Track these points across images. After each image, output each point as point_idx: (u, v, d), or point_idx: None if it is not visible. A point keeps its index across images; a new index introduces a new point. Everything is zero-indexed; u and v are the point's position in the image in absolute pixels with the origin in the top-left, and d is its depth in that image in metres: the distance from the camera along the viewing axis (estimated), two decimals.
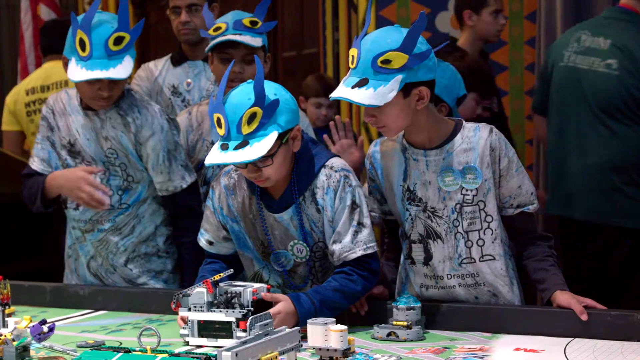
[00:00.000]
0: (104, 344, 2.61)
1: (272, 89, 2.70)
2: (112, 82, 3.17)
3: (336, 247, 2.76)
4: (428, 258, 2.82)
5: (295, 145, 2.76)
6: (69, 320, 3.02)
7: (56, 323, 2.65)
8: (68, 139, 3.30)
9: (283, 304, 2.63)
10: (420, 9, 6.20)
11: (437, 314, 2.76)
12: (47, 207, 3.37)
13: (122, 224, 3.31)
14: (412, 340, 2.62)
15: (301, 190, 2.80)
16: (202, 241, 2.96)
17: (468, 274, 2.80)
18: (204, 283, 2.60)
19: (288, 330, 2.27)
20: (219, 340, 2.54)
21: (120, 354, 2.26)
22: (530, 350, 2.50)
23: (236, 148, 2.64)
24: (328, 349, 2.34)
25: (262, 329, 2.24)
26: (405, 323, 2.64)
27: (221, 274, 2.63)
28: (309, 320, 2.39)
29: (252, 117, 2.64)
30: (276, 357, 2.19)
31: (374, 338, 2.66)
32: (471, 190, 2.77)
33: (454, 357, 2.44)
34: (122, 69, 3.12)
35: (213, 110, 2.69)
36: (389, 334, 2.64)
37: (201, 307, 2.59)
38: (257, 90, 2.64)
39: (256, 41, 3.38)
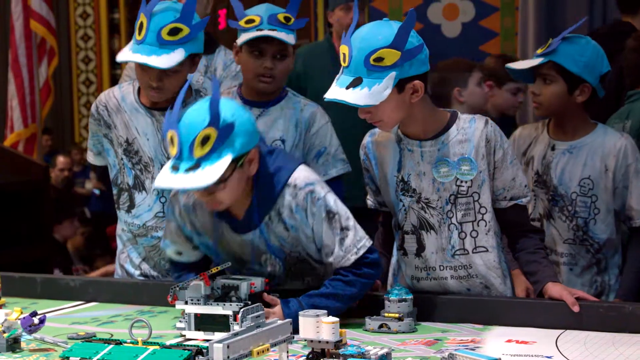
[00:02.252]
0: (95, 336, 2.61)
1: (230, 110, 2.56)
2: (162, 73, 3.03)
3: (330, 260, 2.71)
4: (420, 249, 2.82)
5: (252, 169, 2.64)
6: (59, 312, 3.01)
7: (47, 315, 2.64)
8: (125, 137, 3.19)
9: (277, 308, 2.63)
10: (412, 0, 6.20)
11: (429, 306, 2.76)
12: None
13: None
14: (403, 332, 2.62)
15: (265, 211, 2.71)
16: (169, 252, 2.88)
17: (461, 266, 2.80)
18: (200, 276, 2.58)
19: (280, 322, 2.27)
20: (215, 333, 2.52)
21: (111, 346, 2.25)
22: (522, 342, 2.50)
23: (187, 170, 2.50)
24: (320, 341, 2.33)
25: (253, 321, 2.23)
26: (397, 315, 2.64)
27: (218, 267, 2.61)
28: (300, 313, 2.38)
29: (206, 139, 2.50)
30: (268, 349, 2.18)
31: (366, 330, 2.66)
32: (466, 182, 2.77)
33: (445, 349, 2.43)
34: (165, 60, 2.98)
35: (168, 127, 2.56)
36: (380, 326, 2.64)
37: (198, 300, 2.57)
38: (213, 111, 2.51)
39: (290, 38, 3.31)
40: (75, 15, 10.25)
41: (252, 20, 3.30)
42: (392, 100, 2.66)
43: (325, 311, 2.37)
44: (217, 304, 2.55)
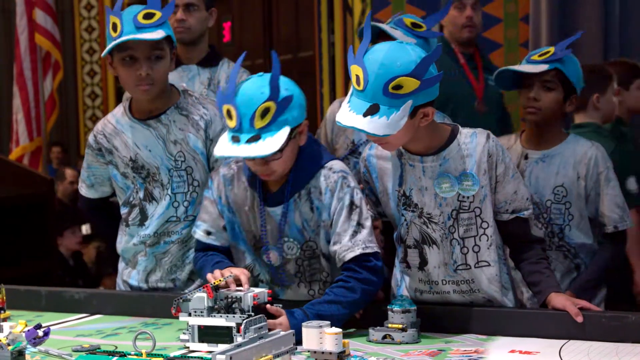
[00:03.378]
0: (99, 348, 2.61)
1: (286, 84, 2.72)
2: (149, 60, 3.06)
3: (336, 248, 2.77)
4: (423, 263, 2.82)
5: (302, 140, 2.79)
6: (64, 324, 3.02)
7: (51, 327, 2.64)
8: (129, 156, 3.19)
9: (282, 318, 2.63)
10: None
11: (432, 317, 2.75)
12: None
13: (188, 236, 3.18)
14: (407, 343, 2.62)
15: (297, 188, 2.81)
16: (199, 233, 2.94)
17: (463, 280, 2.80)
18: (204, 288, 2.59)
19: (283, 333, 2.27)
20: (219, 345, 2.52)
21: (115, 358, 2.26)
22: (526, 353, 2.50)
23: (248, 141, 2.66)
24: (323, 352, 2.34)
25: (256, 332, 2.24)
26: (400, 326, 2.64)
27: (221, 279, 2.62)
28: (304, 324, 2.39)
29: (266, 111, 2.67)
30: None
31: (369, 341, 2.66)
32: (468, 197, 2.77)
33: None
34: (151, 34, 3.01)
35: (223, 101, 2.71)
36: (384, 337, 2.64)
37: (201, 312, 2.58)
38: (273, 85, 2.67)
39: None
40: (81, 29, 10.28)
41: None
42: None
43: (329, 322, 2.38)
44: (221, 316, 2.55)
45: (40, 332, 2.49)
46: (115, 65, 3.12)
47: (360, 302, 2.74)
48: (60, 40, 7.53)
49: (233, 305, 2.56)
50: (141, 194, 3.20)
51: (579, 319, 2.61)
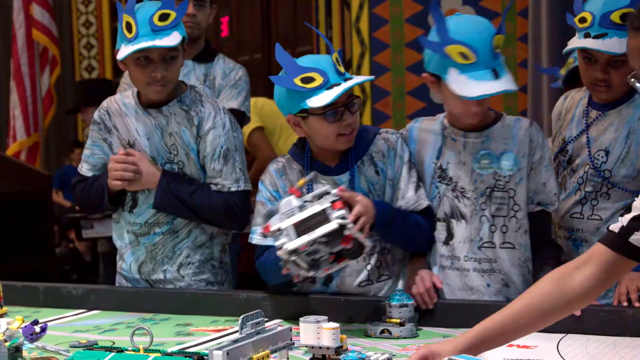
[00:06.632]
0: (96, 344, 2.61)
1: None
2: (164, 62, 3.07)
3: (401, 203, 2.85)
4: (449, 237, 2.87)
5: None
6: (61, 320, 3.02)
7: (49, 323, 2.65)
8: (127, 140, 3.20)
9: (364, 203, 2.65)
10: (413, 7, 6.20)
11: (430, 311, 2.75)
12: (114, 205, 3.26)
13: (179, 226, 3.19)
14: (405, 338, 2.62)
15: (359, 155, 2.86)
16: (256, 238, 2.89)
17: (485, 259, 2.83)
18: (289, 191, 2.63)
19: (280, 329, 2.27)
20: (317, 230, 2.52)
21: (112, 354, 2.26)
22: (524, 346, 2.50)
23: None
24: (320, 347, 2.34)
25: (253, 327, 2.23)
26: (398, 320, 2.64)
27: (305, 179, 2.72)
28: (301, 319, 2.38)
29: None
30: (268, 356, 2.18)
31: (367, 335, 2.65)
32: (504, 177, 2.82)
33: None
34: (169, 39, 3.03)
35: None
36: (382, 332, 2.64)
37: (292, 212, 2.58)
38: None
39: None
40: (78, 24, 10.27)
41: (584, 19, 2.90)
42: None
43: (326, 317, 2.37)
44: (312, 204, 2.58)
45: (37, 328, 2.48)
46: (127, 63, 3.13)
47: (426, 234, 2.87)
48: (57, 36, 7.53)
49: (322, 197, 2.59)
50: None
51: (577, 313, 2.61)
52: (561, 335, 2.58)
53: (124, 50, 3.06)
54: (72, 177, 3.53)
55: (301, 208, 2.58)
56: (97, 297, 3.18)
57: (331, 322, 2.35)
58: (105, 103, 3.28)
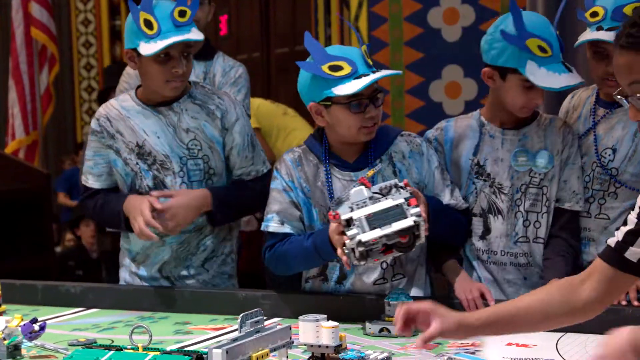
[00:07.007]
0: (95, 342, 2.61)
1: None
2: (184, 58, 3.09)
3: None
4: (486, 232, 2.93)
5: None
6: (60, 318, 3.02)
7: (47, 321, 2.65)
8: (135, 142, 3.17)
9: (423, 199, 2.70)
10: (412, 5, 6.20)
11: None
12: (129, 230, 3.18)
13: (204, 222, 3.19)
14: (404, 336, 2.61)
15: (379, 153, 2.87)
16: (273, 225, 2.89)
17: (521, 253, 2.90)
18: (360, 181, 2.63)
19: (279, 327, 2.27)
20: (393, 225, 2.53)
21: (111, 352, 2.25)
22: (523, 345, 2.50)
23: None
24: (319, 346, 2.34)
25: (252, 326, 2.23)
26: None
27: (375, 169, 2.73)
28: (300, 317, 2.38)
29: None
30: (267, 355, 2.18)
31: (366, 334, 2.66)
32: (539, 174, 2.89)
33: (446, 353, 2.44)
34: (195, 34, 3.06)
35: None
36: (381, 330, 2.64)
37: (364, 202, 2.58)
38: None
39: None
40: (77, 22, 10.26)
41: (596, 13, 2.90)
42: None
43: (325, 316, 2.37)
44: (386, 198, 2.58)
45: (36, 327, 2.49)
46: (142, 61, 3.12)
47: (464, 229, 2.93)
48: (56, 34, 7.52)
49: (392, 191, 2.60)
50: (150, 182, 3.18)
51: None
52: (560, 334, 2.58)
53: (151, 47, 3.04)
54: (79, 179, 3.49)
55: (371, 199, 2.59)
56: (96, 295, 3.18)
57: (330, 321, 2.35)
58: (102, 110, 3.25)
